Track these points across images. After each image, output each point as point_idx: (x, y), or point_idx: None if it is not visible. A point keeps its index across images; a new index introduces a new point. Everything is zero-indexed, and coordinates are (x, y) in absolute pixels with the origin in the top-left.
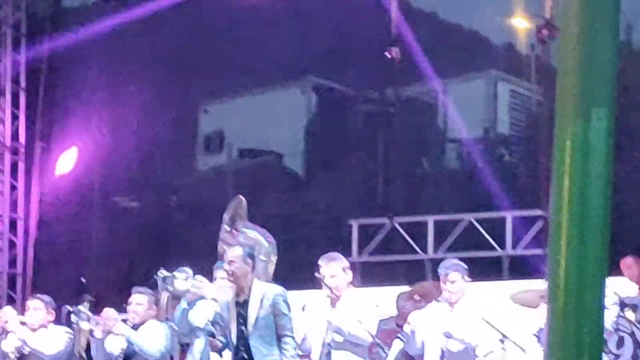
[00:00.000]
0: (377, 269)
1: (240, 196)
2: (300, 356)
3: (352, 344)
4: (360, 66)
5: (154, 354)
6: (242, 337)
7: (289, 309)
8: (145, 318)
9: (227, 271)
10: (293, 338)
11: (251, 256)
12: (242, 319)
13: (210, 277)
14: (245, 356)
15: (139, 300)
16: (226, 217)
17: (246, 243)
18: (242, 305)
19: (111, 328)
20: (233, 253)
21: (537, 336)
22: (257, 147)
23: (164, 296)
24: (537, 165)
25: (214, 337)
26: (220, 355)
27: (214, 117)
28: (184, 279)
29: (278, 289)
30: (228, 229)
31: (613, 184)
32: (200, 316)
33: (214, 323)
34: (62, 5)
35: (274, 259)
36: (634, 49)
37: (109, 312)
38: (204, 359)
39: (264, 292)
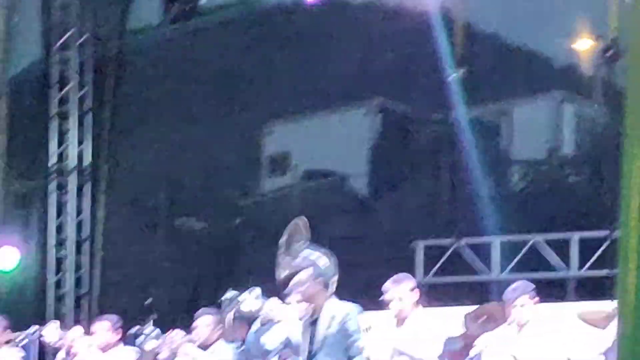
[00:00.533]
0: (442, 290)
1: (298, 220)
2: None
3: None
4: (424, 87)
5: None
6: (311, 357)
7: (359, 329)
8: (211, 339)
9: (300, 293)
10: (362, 358)
11: (322, 274)
12: (312, 337)
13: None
14: None
15: (205, 321)
16: (282, 241)
17: (304, 265)
18: (313, 324)
19: (177, 349)
20: (303, 275)
21: (604, 355)
22: (322, 168)
23: (230, 317)
24: (603, 186)
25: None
26: None
27: (279, 139)
28: (253, 298)
29: (349, 307)
30: (283, 252)
31: None
32: (272, 339)
33: (285, 346)
34: (128, 26)
35: (334, 279)
36: None
37: (175, 332)
38: None
39: (334, 311)
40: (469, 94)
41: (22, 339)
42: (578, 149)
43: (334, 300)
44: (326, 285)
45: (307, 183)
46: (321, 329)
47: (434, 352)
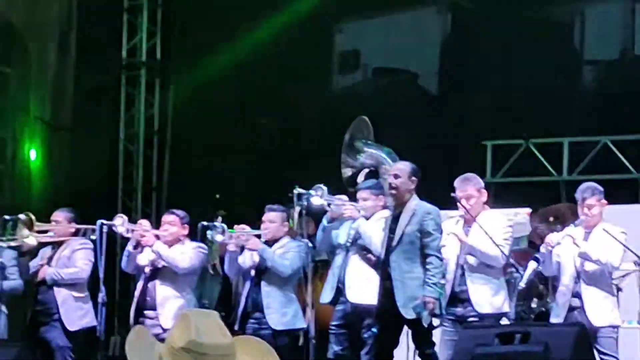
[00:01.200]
0: (511, 190)
1: (360, 118)
2: None
3: (486, 265)
4: None
5: (285, 270)
6: (389, 251)
7: (439, 230)
8: (277, 235)
9: (390, 184)
10: (439, 258)
11: (416, 173)
12: (391, 233)
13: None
14: (389, 270)
15: (272, 217)
16: (346, 137)
17: (368, 163)
18: (394, 220)
19: (245, 243)
20: (399, 167)
21: None
22: (391, 66)
23: (298, 213)
24: None
25: (368, 252)
26: (378, 272)
27: (350, 36)
28: (319, 195)
29: (429, 207)
30: (346, 151)
31: None
32: (342, 233)
33: (355, 240)
34: None
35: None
36: None
37: (242, 227)
38: (342, 273)
39: (415, 209)
40: None
41: (92, 232)
42: None
43: (416, 198)
44: (416, 185)
45: (376, 81)
46: (400, 226)
47: (502, 251)
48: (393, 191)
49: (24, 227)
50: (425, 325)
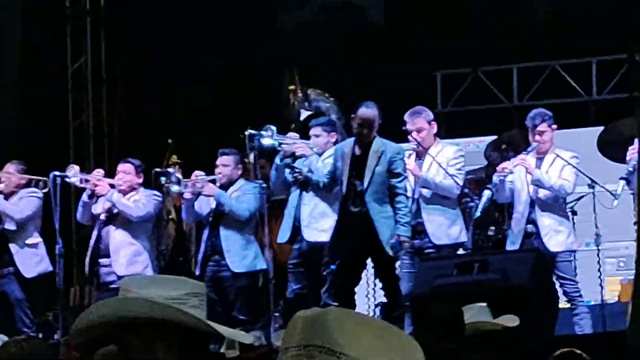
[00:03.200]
0: (462, 119)
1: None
2: None
3: (441, 197)
4: None
5: (243, 213)
6: (354, 190)
7: (405, 169)
8: (232, 178)
9: (362, 134)
10: (407, 197)
11: (380, 117)
12: (356, 171)
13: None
14: (353, 209)
15: (225, 161)
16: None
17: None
18: (358, 159)
19: (200, 189)
20: (371, 114)
21: (626, 179)
22: (338, 1)
23: (252, 155)
24: (621, 10)
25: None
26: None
27: None
28: (269, 136)
29: (397, 147)
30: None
31: None
32: (294, 171)
33: (309, 178)
34: None
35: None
36: None
37: (197, 173)
38: (297, 212)
39: (382, 149)
40: None
41: (44, 183)
42: None
43: (379, 137)
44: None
45: (325, 16)
46: (370, 166)
47: (456, 181)
48: (366, 139)
49: None
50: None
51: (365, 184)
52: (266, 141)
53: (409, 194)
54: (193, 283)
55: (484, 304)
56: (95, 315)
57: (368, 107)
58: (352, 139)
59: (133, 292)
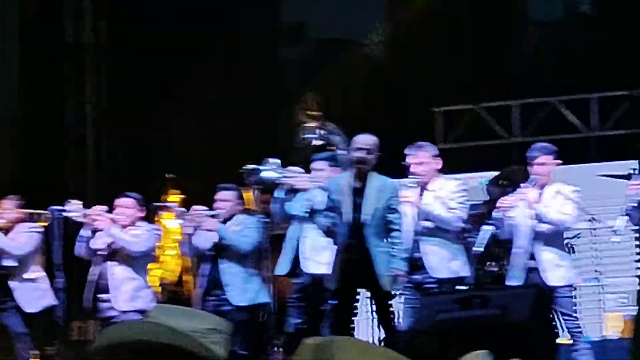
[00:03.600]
0: (463, 155)
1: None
2: None
3: (442, 230)
4: None
5: (245, 247)
6: (354, 225)
7: (398, 204)
8: (232, 213)
9: (362, 159)
10: (400, 232)
11: (379, 149)
12: (356, 206)
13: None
14: (353, 242)
15: (225, 196)
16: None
17: (337, 135)
18: (358, 194)
19: (201, 223)
20: (370, 142)
21: (628, 214)
22: (337, 37)
23: (253, 190)
24: (622, 45)
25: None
26: (335, 242)
27: (295, 7)
28: (271, 169)
29: (394, 183)
30: (312, 124)
31: None
32: (296, 204)
33: (313, 211)
34: None
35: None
36: None
37: (198, 208)
38: (298, 245)
39: (381, 185)
40: None
41: (44, 217)
42: (597, 8)
43: (376, 174)
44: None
45: (323, 52)
46: (369, 201)
47: (458, 216)
48: (365, 167)
49: None
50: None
51: (368, 219)
52: (267, 174)
53: (411, 226)
54: (218, 320)
55: (486, 352)
56: (118, 335)
57: (367, 135)
58: (348, 173)
59: (159, 320)
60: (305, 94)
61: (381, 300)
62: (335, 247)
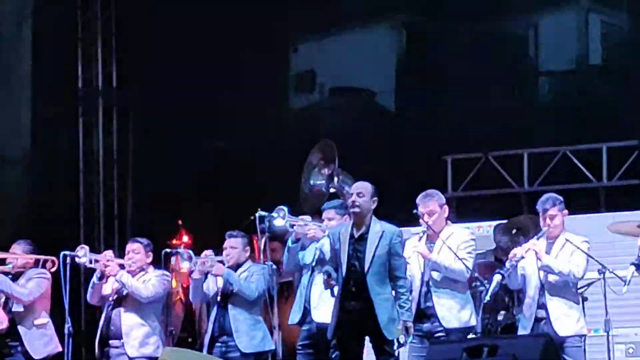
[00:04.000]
0: (472, 204)
1: (327, 141)
2: None
3: (451, 280)
4: (450, 1)
5: (251, 294)
6: (355, 272)
7: (403, 251)
8: (240, 261)
9: (354, 202)
10: (406, 280)
11: (377, 194)
12: (357, 254)
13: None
14: (354, 290)
15: (233, 243)
16: (313, 159)
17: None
18: (358, 241)
19: (210, 269)
20: (363, 186)
21: (636, 264)
22: (348, 85)
23: (263, 237)
24: (631, 95)
25: (330, 276)
26: (332, 293)
27: (305, 56)
28: (281, 217)
29: (396, 229)
30: (326, 171)
31: None
32: (308, 254)
33: (320, 260)
34: None
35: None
36: None
37: (206, 253)
38: (307, 293)
39: (382, 231)
40: (494, 6)
41: (52, 262)
42: (606, 59)
43: (375, 219)
44: (376, 205)
45: (334, 100)
46: (369, 248)
47: (467, 266)
48: (357, 209)
49: None
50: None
51: (367, 266)
52: (278, 222)
53: (418, 277)
54: None
55: None
56: None
57: (361, 182)
58: (349, 222)
59: None
60: (322, 140)
61: (381, 349)
62: (334, 298)
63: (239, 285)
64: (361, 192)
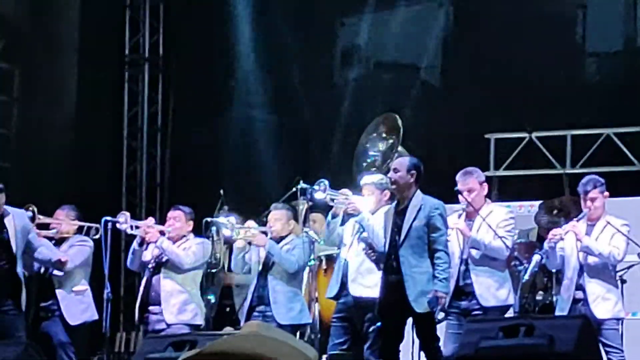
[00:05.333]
0: (514, 183)
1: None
2: None
3: (490, 258)
4: None
5: (292, 266)
6: (395, 246)
7: (445, 225)
8: (283, 233)
9: (390, 178)
10: (446, 253)
11: (416, 167)
12: (397, 227)
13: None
14: (395, 265)
15: (277, 215)
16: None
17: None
18: (399, 215)
19: (252, 239)
20: (398, 162)
21: None
22: (393, 60)
23: (303, 208)
24: None
25: (371, 249)
26: (378, 267)
27: (351, 31)
28: (322, 190)
29: (436, 202)
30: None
31: None
32: (347, 227)
33: (358, 234)
34: None
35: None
36: None
37: (250, 223)
38: (345, 267)
39: (421, 203)
40: None
41: (95, 230)
42: None
43: (420, 193)
44: (416, 178)
45: (378, 75)
46: (407, 221)
47: (506, 244)
48: (393, 185)
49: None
50: (437, 319)
51: (401, 239)
52: (318, 195)
53: (457, 254)
54: (307, 346)
55: None
56: (229, 346)
57: (402, 156)
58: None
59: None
60: (388, 113)
61: (417, 323)
62: (380, 271)
63: (279, 257)
64: (396, 167)
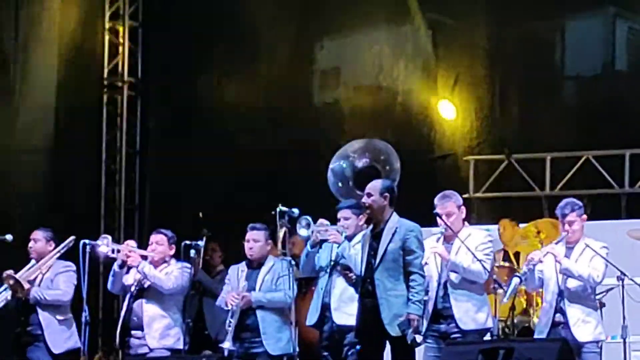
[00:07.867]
0: (493, 206)
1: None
2: None
3: (469, 282)
4: (475, 3)
5: (285, 301)
6: (371, 269)
7: (421, 248)
8: (263, 254)
9: (363, 203)
10: (422, 276)
11: (389, 190)
12: (373, 250)
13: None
14: (370, 288)
15: (255, 236)
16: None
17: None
18: (375, 238)
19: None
20: (371, 186)
21: None
22: (371, 84)
23: (282, 231)
24: None
25: (349, 270)
26: (356, 290)
27: (330, 53)
28: (305, 226)
29: (411, 224)
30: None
31: None
32: (323, 256)
33: (337, 262)
34: None
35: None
36: None
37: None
38: (325, 295)
39: (397, 226)
40: (520, 9)
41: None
42: (632, 65)
43: (395, 216)
44: (390, 201)
45: (357, 98)
46: (382, 244)
47: (485, 267)
48: (367, 210)
49: None
50: (409, 342)
51: (377, 262)
52: (302, 232)
53: (435, 277)
54: None
55: None
56: None
57: (373, 181)
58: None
59: None
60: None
61: (395, 347)
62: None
63: (271, 304)
64: (369, 191)
